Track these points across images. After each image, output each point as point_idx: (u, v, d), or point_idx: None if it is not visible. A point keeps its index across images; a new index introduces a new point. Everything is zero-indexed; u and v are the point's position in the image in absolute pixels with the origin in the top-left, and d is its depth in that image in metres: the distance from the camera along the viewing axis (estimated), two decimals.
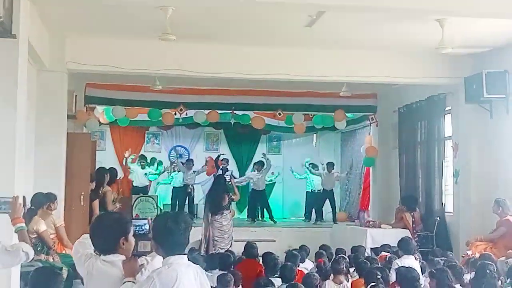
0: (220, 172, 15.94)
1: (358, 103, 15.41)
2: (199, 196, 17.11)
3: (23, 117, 6.99)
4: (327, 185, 16.65)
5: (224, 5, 8.42)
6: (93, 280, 3.87)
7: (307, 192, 17.56)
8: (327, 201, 16.74)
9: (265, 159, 16.94)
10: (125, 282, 3.72)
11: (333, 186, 16.91)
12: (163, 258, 3.75)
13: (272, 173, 18.10)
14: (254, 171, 17.18)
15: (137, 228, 5.12)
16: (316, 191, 17.07)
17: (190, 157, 18.44)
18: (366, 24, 9.44)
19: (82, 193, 10.94)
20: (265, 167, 16.84)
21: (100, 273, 3.82)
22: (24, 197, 7.48)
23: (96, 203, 11.14)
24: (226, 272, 7.15)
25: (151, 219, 4.64)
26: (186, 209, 16.40)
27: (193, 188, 16.84)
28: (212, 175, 16.47)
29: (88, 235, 4.05)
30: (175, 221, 3.74)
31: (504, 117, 10.67)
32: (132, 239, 3.98)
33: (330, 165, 16.77)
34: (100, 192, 11.29)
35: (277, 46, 10.84)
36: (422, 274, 7.46)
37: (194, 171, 16.81)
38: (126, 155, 16.58)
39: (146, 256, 4.02)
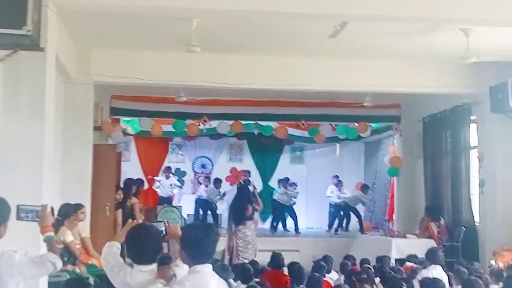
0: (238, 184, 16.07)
1: (382, 113, 15.36)
2: (223, 206, 17.16)
3: (51, 129, 7.09)
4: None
5: (248, 16, 8.46)
6: None
7: (329, 203, 17.53)
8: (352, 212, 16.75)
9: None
10: (156, 282, 3.75)
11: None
12: (189, 267, 3.78)
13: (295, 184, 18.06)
14: (280, 187, 17.28)
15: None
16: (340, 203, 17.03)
17: (213, 169, 18.58)
18: (389, 34, 9.43)
19: (108, 204, 11.03)
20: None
21: (138, 283, 3.84)
22: (52, 207, 7.57)
23: (119, 212, 11.24)
24: (253, 284, 7.11)
25: (168, 221, 4.68)
26: (209, 219, 16.53)
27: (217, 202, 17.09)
28: (235, 185, 16.58)
29: (112, 242, 4.08)
30: (205, 231, 3.79)
31: None
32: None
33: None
34: (128, 203, 11.38)
35: (301, 56, 10.87)
36: (450, 285, 7.40)
37: (220, 193, 17.00)
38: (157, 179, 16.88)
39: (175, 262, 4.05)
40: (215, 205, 17.01)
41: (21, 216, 4.40)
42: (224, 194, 17.02)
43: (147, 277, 3.84)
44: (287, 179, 17.36)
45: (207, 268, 3.76)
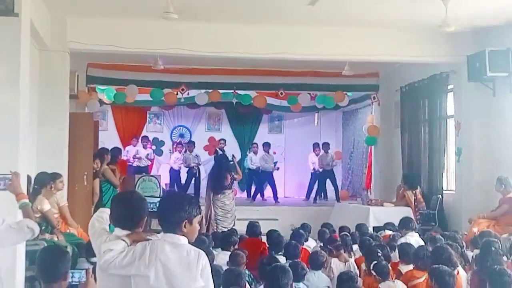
0: (218, 151, 16.07)
1: (360, 82, 15.37)
2: (202, 175, 17.18)
3: (26, 97, 6.97)
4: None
5: None
6: None
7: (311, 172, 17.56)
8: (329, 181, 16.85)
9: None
10: (119, 239, 3.72)
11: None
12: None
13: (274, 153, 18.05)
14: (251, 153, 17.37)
15: (151, 205, 5.14)
16: (318, 171, 17.07)
17: (192, 138, 18.56)
18: (368, 2, 9.40)
19: (85, 173, 10.98)
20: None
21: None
22: (28, 175, 7.50)
23: (97, 181, 11.21)
24: (238, 251, 7.13)
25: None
26: (192, 189, 16.55)
27: (198, 169, 17.01)
28: (213, 155, 16.60)
29: (104, 209, 4.06)
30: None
31: (507, 95, 10.66)
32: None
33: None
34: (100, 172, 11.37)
35: (279, 24, 10.80)
36: None
37: (197, 155, 17.00)
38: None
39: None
40: (197, 171, 17.01)
41: None
42: (198, 157, 17.16)
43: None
44: (268, 143, 17.39)
45: (161, 235, 3.76)
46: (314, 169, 17.12)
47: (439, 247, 6.73)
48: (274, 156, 17.46)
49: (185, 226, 3.67)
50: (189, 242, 3.71)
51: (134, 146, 17.26)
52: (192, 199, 3.83)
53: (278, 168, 17.48)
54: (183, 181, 17.25)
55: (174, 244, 3.64)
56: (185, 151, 17.43)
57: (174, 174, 17.34)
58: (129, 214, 3.88)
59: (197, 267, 3.60)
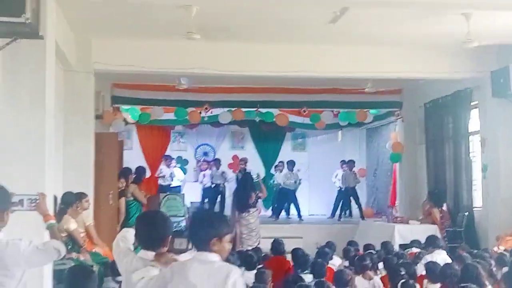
0: (238, 173, 16.08)
1: (383, 99, 15.32)
2: (227, 194, 17.19)
3: (52, 117, 7.07)
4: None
5: (248, 3, 8.44)
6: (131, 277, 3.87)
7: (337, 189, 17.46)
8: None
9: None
10: (148, 265, 3.72)
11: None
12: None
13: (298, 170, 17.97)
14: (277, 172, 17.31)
15: (174, 224, 5.19)
16: (342, 189, 17.00)
17: (216, 156, 18.61)
18: (390, 20, 9.40)
19: (111, 192, 11.07)
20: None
21: (136, 268, 3.81)
22: (55, 195, 7.58)
23: (122, 200, 11.29)
24: (263, 269, 7.12)
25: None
26: (218, 207, 16.58)
27: (224, 186, 17.02)
28: (236, 175, 16.63)
29: (128, 228, 4.08)
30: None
31: None
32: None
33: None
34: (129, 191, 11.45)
35: (301, 43, 10.84)
36: None
37: (223, 172, 17.04)
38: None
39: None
40: (224, 188, 17.01)
41: (18, 204, 4.41)
42: (225, 173, 17.22)
43: (146, 263, 3.81)
44: (293, 161, 17.32)
45: (190, 255, 3.73)
46: (340, 186, 17.07)
47: (469, 264, 6.66)
48: (297, 174, 17.38)
49: (215, 244, 3.59)
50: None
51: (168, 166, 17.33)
52: (221, 216, 3.81)
53: (299, 183, 17.34)
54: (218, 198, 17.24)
55: (203, 262, 3.57)
56: (211, 169, 17.47)
57: (208, 192, 17.31)
58: (153, 234, 3.90)
59: (226, 283, 3.49)
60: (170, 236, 3.94)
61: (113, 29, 10.15)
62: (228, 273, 3.53)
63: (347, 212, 16.93)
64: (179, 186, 16.99)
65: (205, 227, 3.62)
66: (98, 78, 11.03)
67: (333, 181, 17.46)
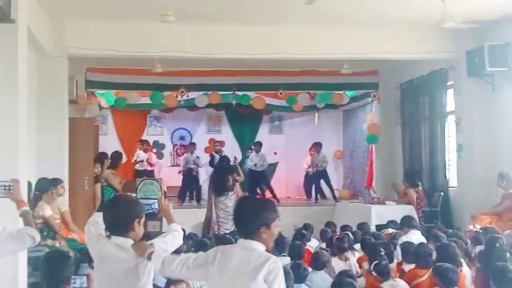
0: (214, 155, 15.97)
1: (359, 80, 15.31)
2: (202, 177, 17.12)
3: (25, 103, 6.96)
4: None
5: None
6: (104, 263, 3.83)
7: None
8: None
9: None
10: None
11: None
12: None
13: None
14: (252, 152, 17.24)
15: (146, 207, 5.10)
16: (310, 173, 17.00)
17: (192, 140, 18.49)
18: (366, 0, 9.38)
19: (86, 178, 10.98)
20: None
21: (112, 256, 3.77)
22: (29, 182, 7.49)
23: (98, 186, 11.21)
24: None
25: (162, 198, 4.57)
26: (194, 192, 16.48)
27: (198, 171, 16.88)
28: (209, 158, 16.51)
29: (98, 213, 4.02)
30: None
31: (507, 90, 10.65)
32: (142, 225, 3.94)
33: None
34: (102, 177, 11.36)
35: (277, 24, 10.79)
36: None
37: (197, 157, 16.89)
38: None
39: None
40: (196, 173, 16.86)
41: None
42: (199, 158, 16.94)
43: (124, 253, 3.74)
44: (259, 143, 17.22)
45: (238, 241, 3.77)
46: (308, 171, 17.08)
47: (444, 244, 6.71)
48: (264, 156, 17.26)
49: (264, 232, 3.61)
50: (267, 250, 3.66)
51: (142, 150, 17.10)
52: (267, 203, 3.80)
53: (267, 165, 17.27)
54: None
55: (245, 249, 3.60)
56: (186, 152, 17.36)
57: (189, 176, 17.00)
58: (116, 218, 3.84)
59: (261, 271, 3.49)
60: (138, 220, 3.86)
61: (87, 12, 10.02)
62: (265, 260, 3.53)
63: (321, 194, 16.89)
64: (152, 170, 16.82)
65: (254, 217, 3.63)
66: (72, 63, 10.90)
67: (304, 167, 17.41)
